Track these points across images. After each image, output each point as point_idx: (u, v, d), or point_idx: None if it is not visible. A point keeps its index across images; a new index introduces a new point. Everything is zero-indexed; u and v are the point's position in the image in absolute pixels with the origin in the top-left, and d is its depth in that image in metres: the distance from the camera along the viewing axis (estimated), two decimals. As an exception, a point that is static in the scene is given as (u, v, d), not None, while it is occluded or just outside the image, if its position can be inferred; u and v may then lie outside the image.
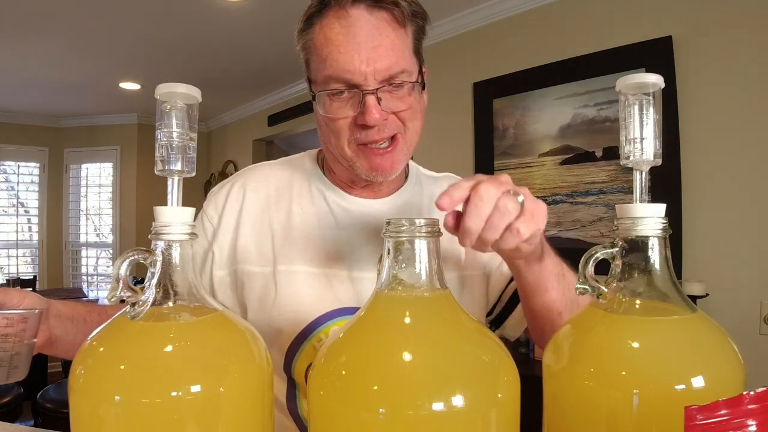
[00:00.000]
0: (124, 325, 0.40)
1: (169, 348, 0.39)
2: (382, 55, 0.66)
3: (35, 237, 5.00)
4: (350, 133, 0.69)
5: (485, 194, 0.50)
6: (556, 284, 0.65)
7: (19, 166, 4.90)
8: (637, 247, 0.43)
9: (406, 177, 0.84)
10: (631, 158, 0.44)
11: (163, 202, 0.43)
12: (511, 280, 0.78)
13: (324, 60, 0.67)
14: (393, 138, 0.70)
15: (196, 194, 4.12)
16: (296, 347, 0.73)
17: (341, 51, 0.65)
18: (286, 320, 0.73)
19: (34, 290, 4.51)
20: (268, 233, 0.77)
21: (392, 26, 0.68)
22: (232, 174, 0.88)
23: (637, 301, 0.43)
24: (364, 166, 0.71)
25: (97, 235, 5.18)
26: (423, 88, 0.73)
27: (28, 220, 5.00)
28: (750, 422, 0.28)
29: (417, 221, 0.40)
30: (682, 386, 0.37)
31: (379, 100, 0.66)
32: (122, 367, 0.38)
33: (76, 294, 4.27)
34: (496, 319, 0.83)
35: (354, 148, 0.70)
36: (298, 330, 0.73)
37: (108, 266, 5.06)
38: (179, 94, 0.43)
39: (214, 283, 0.77)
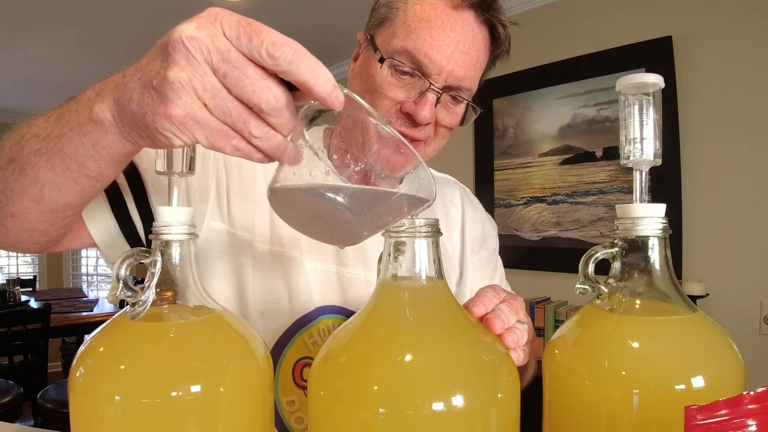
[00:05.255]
0: (124, 325, 0.40)
1: (169, 348, 0.39)
2: (466, 64, 0.64)
3: (35, 237, 4.99)
4: (387, 116, 0.65)
5: (517, 306, 0.48)
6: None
7: (19, 166, 4.89)
8: (637, 247, 0.43)
9: None
10: (631, 158, 0.44)
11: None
12: None
13: (410, 32, 0.63)
14: (416, 140, 0.68)
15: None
16: (286, 340, 0.70)
17: (433, 35, 0.63)
18: (278, 310, 0.69)
19: (33, 290, 4.53)
20: (266, 210, 0.70)
21: (485, 46, 0.67)
22: None
23: (637, 301, 0.43)
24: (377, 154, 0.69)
25: (97, 235, 5.18)
26: (477, 114, 0.71)
27: (28, 220, 5.00)
28: (750, 422, 0.28)
29: (417, 221, 0.40)
30: (682, 386, 0.37)
31: (437, 102, 0.65)
32: (122, 367, 0.38)
33: (76, 294, 4.27)
34: None
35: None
36: (291, 322, 0.69)
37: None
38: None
39: (206, 233, 0.68)
